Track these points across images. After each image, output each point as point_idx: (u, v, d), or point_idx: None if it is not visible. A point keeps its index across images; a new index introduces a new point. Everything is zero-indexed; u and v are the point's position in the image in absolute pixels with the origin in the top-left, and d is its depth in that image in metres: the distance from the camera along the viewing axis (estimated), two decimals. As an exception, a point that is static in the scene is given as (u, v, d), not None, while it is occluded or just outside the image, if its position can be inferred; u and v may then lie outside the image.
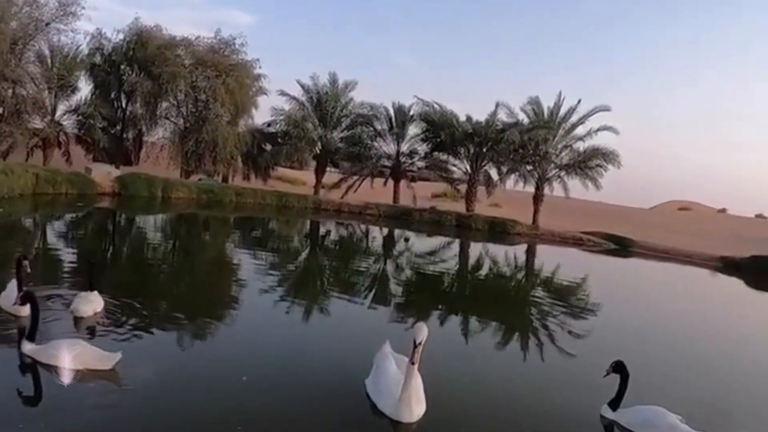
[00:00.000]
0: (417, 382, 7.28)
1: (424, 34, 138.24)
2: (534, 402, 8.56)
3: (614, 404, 8.10)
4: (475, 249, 31.16)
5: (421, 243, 30.45)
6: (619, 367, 8.24)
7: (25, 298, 7.96)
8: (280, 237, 27.44)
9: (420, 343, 7.04)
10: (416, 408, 7.23)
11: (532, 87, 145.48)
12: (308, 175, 55.86)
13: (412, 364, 7.09)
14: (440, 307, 14.74)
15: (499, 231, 37.83)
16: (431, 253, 26.43)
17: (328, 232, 30.77)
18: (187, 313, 10.68)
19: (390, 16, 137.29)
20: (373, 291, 16.13)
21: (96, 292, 9.74)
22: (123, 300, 10.36)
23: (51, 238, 18.96)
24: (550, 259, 30.17)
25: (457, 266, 24.23)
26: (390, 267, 21.16)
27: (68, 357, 7.24)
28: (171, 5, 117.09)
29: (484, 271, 23.57)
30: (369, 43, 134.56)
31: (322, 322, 11.90)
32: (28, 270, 9.18)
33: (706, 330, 16.80)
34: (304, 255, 22.46)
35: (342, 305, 13.48)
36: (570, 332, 13.46)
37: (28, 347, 7.46)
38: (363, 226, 33.93)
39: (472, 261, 26.57)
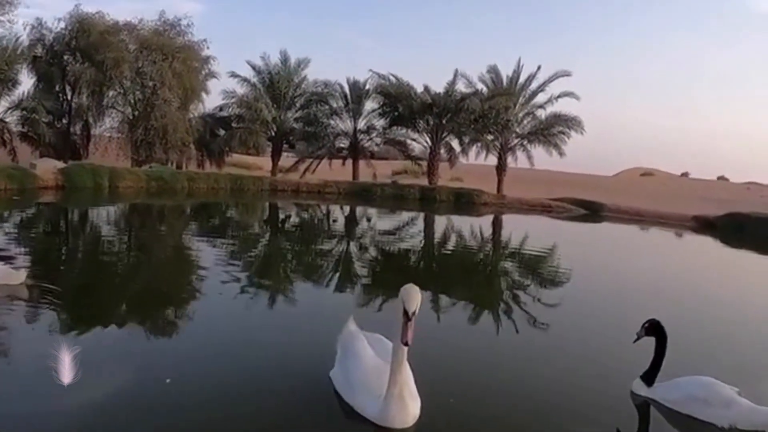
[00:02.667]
0: (407, 371, 5.60)
1: (376, 7, 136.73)
2: (548, 383, 7.31)
3: (649, 377, 6.73)
4: (443, 222, 30.43)
5: (385, 220, 29.52)
6: (654, 329, 6.81)
7: None
8: (237, 223, 26.10)
9: (414, 314, 5.22)
10: (411, 406, 5.54)
11: (491, 57, 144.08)
12: (265, 161, 54.25)
13: (405, 345, 5.26)
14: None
15: (464, 202, 37.12)
16: (396, 230, 25.47)
17: (287, 216, 29.60)
18: (141, 309, 9.86)
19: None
20: (338, 273, 15.22)
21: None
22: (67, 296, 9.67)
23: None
24: (521, 227, 29.54)
25: (425, 241, 23.33)
26: (354, 247, 20.11)
27: None
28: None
29: (455, 245, 22.69)
30: (320, 22, 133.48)
31: (284, 311, 10.76)
32: None
33: (711, 289, 16.14)
34: (264, 240, 21.42)
35: (306, 290, 12.58)
36: (564, 302, 12.56)
37: None
38: (323, 207, 32.80)
39: (439, 235, 25.78)
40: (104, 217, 24.77)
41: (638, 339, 6.90)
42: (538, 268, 17.63)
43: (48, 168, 31.12)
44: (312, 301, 11.53)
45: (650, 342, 6.93)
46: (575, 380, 7.43)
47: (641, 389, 6.75)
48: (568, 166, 46.17)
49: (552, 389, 7.11)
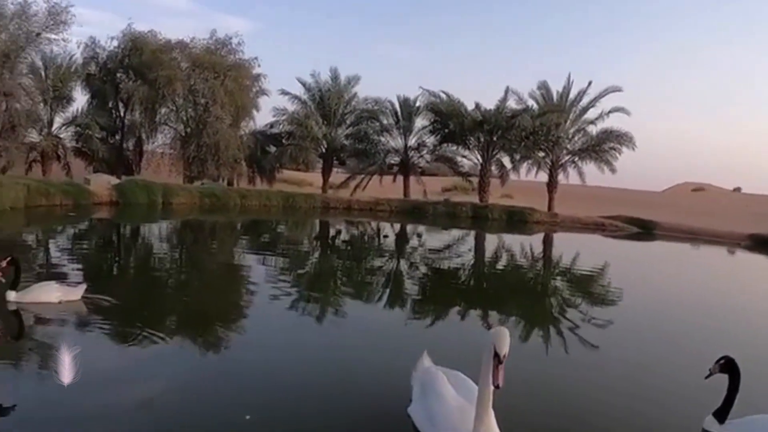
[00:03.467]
0: (492, 412, 5.40)
1: (422, 24, 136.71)
2: (620, 415, 7.01)
3: (721, 414, 6.37)
4: (494, 240, 29.86)
5: (435, 238, 29.18)
6: (728, 366, 6.46)
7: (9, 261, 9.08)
8: (288, 239, 26.02)
9: (505, 356, 5.07)
10: None
11: (540, 72, 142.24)
12: (315, 177, 54.40)
13: (496, 387, 5.08)
14: (461, 303, 13.58)
15: (517, 220, 36.55)
16: (446, 247, 25.08)
17: (338, 232, 29.43)
18: (193, 326, 9.92)
19: (386, 8, 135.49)
20: (389, 290, 15.00)
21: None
22: (125, 310, 10.01)
23: (42, 251, 17.67)
24: (573, 246, 28.94)
25: (475, 259, 22.91)
26: (404, 264, 19.87)
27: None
28: (164, 15, 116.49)
29: (506, 263, 22.17)
30: (368, 37, 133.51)
31: (339, 330, 10.48)
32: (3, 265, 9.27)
33: None
34: (315, 256, 21.26)
35: (357, 308, 12.29)
36: (620, 324, 12.15)
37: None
38: (374, 224, 32.56)
39: (490, 253, 25.33)
40: (158, 232, 24.99)
41: (710, 375, 6.57)
42: (594, 289, 17.25)
43: (101, 183, 31.68)
44: (363, 318, 11.36)
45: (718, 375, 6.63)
46: (646, 411, 7.13)
47: (713, 426, 6.40)
48: (617, 181, 45.36)
49: (625, 421, 6.87)
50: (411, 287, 15.59)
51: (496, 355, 5.05)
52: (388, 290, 14.99)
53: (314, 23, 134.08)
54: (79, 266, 14.69)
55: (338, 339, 9.62)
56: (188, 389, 6.88)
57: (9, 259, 9.34)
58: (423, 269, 18.97)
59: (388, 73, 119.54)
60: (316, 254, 22.02)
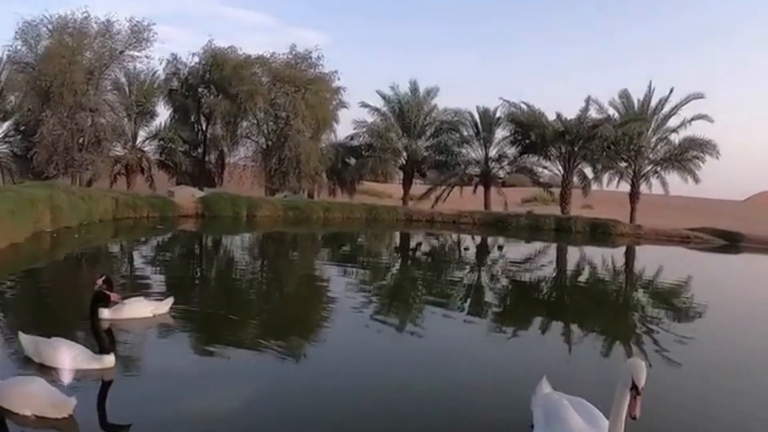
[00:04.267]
0: None
1: (498, 34, 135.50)
2: None
3: None
4: (577, 253, 29.26)
5: (518, 249, 28.82)
6: None
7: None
8: (370, 252, 26.19)
9: (642, 389, 5.07)
10: None
11: (618, 79, 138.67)
12: (394, 188, 55.04)
13: (633, 418, 5.08)
14: (541, 316, 13.34)
15: (600, 233, 35.45)
16: (527, 260, 24.84)
17: (419, 244, 29.42)
18: (276, 336, 9.91)
19: (460, 18, 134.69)
20: (468, 303, 14.93)
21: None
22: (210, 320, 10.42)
23: (145, 264, 18.40)
24: (657, 259, 27.92)
25: (557, 272, 22.54)
26: (484, 276, 19.81)
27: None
28: (242, 31, 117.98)
29: (591, 276, 21.71)
30: (443, 49, 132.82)
31: (421, 345, 10.43)
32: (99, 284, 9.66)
33: None
34: (395, 268, 21.32)
35: (439, 321, 12.09)
36: (714, 343, 11.81)
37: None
38: (454, 235, 32.47)
39: (573, 266, 24.77)
40: (243, 244, 25.73)
41: None
42: (678, 303, 16.77)
43: (185, 195, 32.65)
44: (444, 332, 11.29)
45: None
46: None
47: None
48: (697, 190, 43.62)
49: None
50: (491, 300, 15.51)
51: (634, 386, 5.07)
52: (468, 303, 14.93)
53: (389, 35, 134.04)
54: (167, 277, 15.50)
55: (421, 355, 9.63)
56: (270, 401, 7.11)
57: (104, 278, 9.79)
58: (503, 281, 18.84)
59: (464, 84, 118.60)
60: (397, 266, 22.12)
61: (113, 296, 8.16)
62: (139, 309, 10.00)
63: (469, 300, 15.29)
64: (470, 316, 13.02)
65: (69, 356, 7.32)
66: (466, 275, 19.69)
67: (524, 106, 43.68)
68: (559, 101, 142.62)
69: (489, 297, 15.88)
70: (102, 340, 7.58)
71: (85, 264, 17.75)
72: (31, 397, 6.12)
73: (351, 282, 16.54)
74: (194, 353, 8.80)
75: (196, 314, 10.88)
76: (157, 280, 14.99)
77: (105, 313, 9.20)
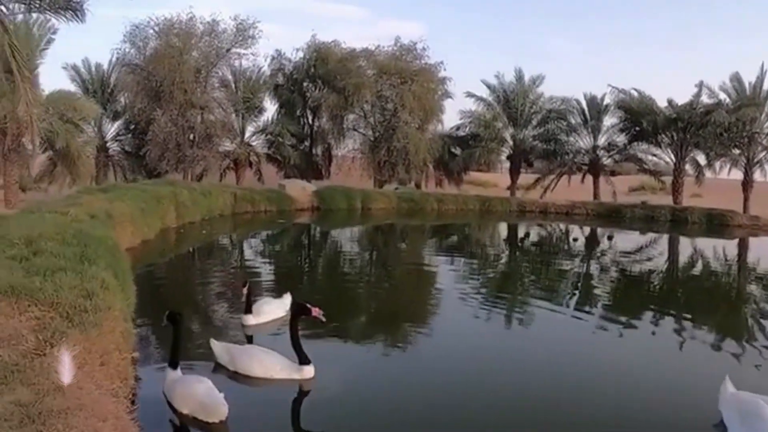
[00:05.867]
0: None
1: (601, 19, 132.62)
2: None
3: None
4: (694, 245, 28.11)
5: (630, 240, 27.80)
6: None
7: (170, 317, 7.38)
8: (480, 242, 26.51)
9: None
10: None
11: (726, 62, 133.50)
12: (498, 177, 54.71)
13: None
14: (650, 309, 13.09)
15: (716, 224, 33.67)
16: (638, 250, 24.26)
17: (527, 235, 29.42)
18: (385, 326, 10.58)
19: (560, 4, 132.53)
20: (578, 295, 14.97)
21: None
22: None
23: (263, 256, 19.40)
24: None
25: (669, 264, 21.88)
26: (594, 268, 19.70)
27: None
28: (337, 25, 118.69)
29: (707, 269, 20.86)
30: (544, 36, 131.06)
31: (531, 334, 10.78)
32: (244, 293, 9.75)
33: None
34: (504, 259, 21.56)
35: (550, 316, 12.09)
36: None
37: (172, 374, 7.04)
38: (562, 226, 32.09)
39: (689, 258, 23.75)
40: (373, 236, 26.69)
41: None
42: None
43: (296, 188, 33.39)
44: (554, 326, 11.37)
45: None
46: None
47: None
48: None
49: None
50: (600, 292, 15.41)
51: None
52: (577, 296, 14.90)
53: (488, 23, 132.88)
54: (288, 269, 16.57)
55: (533, 351, 9.51)
56: (375, 393, 7.48)
57: (246, 284, 9.74)
58: (613, 273, 18.56)
59: (567, 71, 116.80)
60: (505, 257, 22.30)
61: (314, 311, 7.77)
62: (277, 310, 10.03)
63: (577, 292, 15.26)
64: (577, 311, 12.73)
65: (268, 366, 7.47)
66: (575, 266, 19.59)
67: (634, 93, 42.45)
68: (662, 88, 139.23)
69: (597, 289, 15.79)
70: (301, 350, 7.56)
71: (237, 259, 18.68)
72: (190, 396, 6.38)
73: (460, 272, 17.04)
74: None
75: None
76: (290, 274, 15.74)
77: (250, 320, 9.58)
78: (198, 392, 6.31)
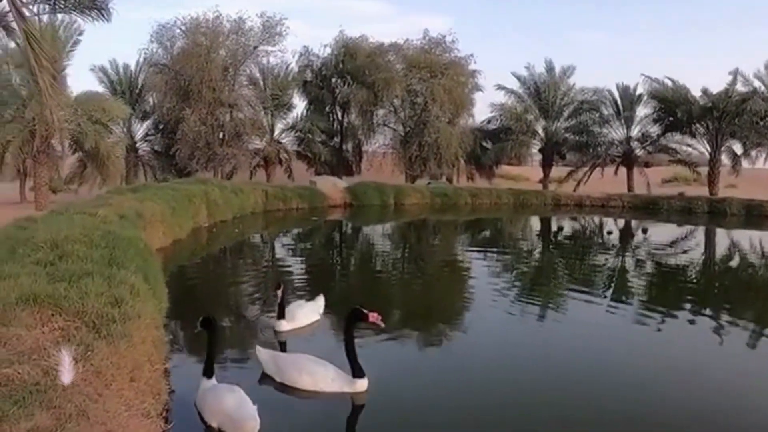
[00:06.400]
0: None
1: (627, 8, 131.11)
2: None
3: None
4: (732, 237, 27.21)
5: (667, 234, 27.30)
6: None
7: (204, 323, 6.91)
8: (513, 236, 26.39)
9: None
10: None
11: (760, 50, 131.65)
12: (529, 171, 54.45)
13: None
14: (688, 304, 12.84)
15: (755, 215, 32.69)
16: (674, 243, 23.90)
17: (561, 228, 29.07)
18: (419, 325, 10.36)
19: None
20: (612, 288, 14.72)
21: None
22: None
23: (295, 254, 19.30)
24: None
25: (705, 257, 21.40)
26: (629, 261, 19.31)
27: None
28: (363, 21, 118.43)
29: (743, 262, 20.39)
30: (573, 25, 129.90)
31: (564, 329, 10.51)
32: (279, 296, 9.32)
33: None
34: (538, 253, 21.37)
35: (581, 308, 11.98)
36: None
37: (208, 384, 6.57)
38: (596, 218, 31.59)
39: (726, 250, 23.16)
40: (397, 232, 26.35)
41: None
42: None
43: (327, 185, 33.37)
44: (589, 321, 11.06)
45: None
46: None
47: None
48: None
49: None
50: (638, 286, 15.05)
51: None
52: (612, 289, 14.63)
53: (515, 15, 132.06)
54: (322, 267, 16.66)
55: (576, 350, 9.18)
56: (407, 390, 7.25)
57: (281, 287, 9.24)
58: (648, 267, 18.13)
59: (598, 61, 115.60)
60: (539, 250, 22.10)
61: (372, 316, 7.20)
62: (310, 314, 9.71)
63: (612, 285, 15.04)
64: (614, 302, 12.56)
65: (318, 378, 7.00)
66: (610, 260, 19.29)
67: (668, 82, 42.00)
68: (694, 76, 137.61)
69: (634, 283, 15.45)
70: (356, 362, 7.05)
71: (269, 258, 18.72)
72: (219, 408, 5.98)
73: (494, 266, 17.14)
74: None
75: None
76: (322, 273, 15.77)
77: (284, 326, 9.16)
78: (228, 404, 5.91)
